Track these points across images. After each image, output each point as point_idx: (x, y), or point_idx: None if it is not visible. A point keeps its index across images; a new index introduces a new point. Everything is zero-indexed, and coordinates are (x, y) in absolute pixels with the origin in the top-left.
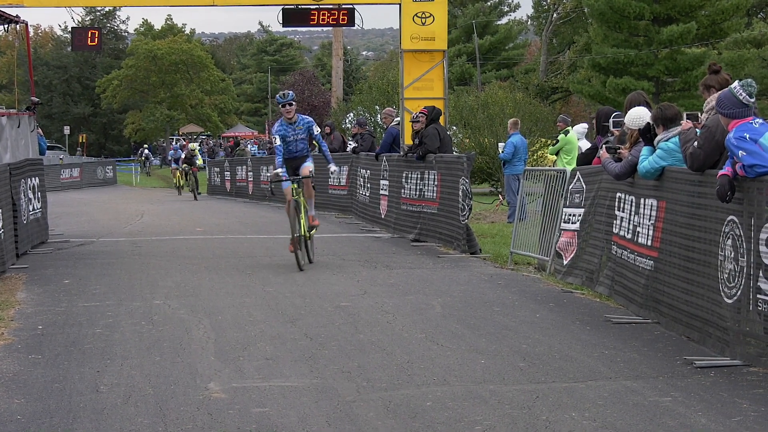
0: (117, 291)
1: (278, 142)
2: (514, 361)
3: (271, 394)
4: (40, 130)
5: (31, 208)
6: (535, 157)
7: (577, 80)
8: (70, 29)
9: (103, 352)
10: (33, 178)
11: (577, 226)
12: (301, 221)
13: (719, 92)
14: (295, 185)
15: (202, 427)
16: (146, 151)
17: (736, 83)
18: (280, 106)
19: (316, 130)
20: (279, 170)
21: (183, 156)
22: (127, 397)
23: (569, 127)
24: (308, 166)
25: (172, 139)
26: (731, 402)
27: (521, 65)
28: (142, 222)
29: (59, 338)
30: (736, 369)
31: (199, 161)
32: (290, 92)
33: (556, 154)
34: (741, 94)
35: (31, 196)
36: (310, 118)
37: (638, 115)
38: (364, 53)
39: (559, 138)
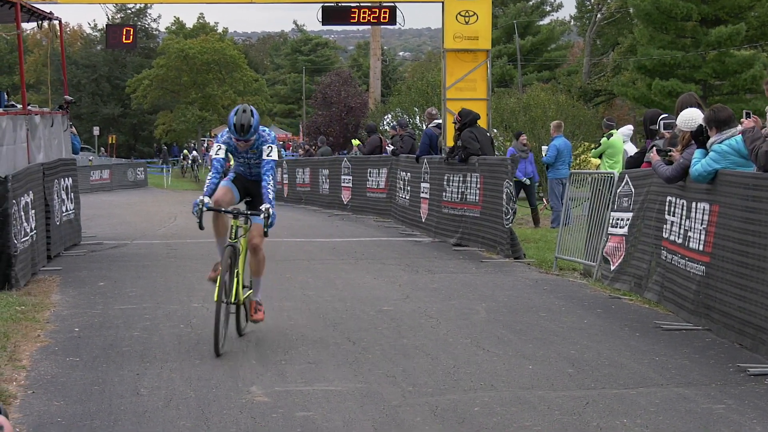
0: (153, 294)
1: (220, 153)
2: (563, 367)
3: (315, 398)
4: (73, 129)
5: (64, 209)
6: (578, 161)
7: (621, 83)
8: (99, 28)
9: (142, 355)
10: (66, 179)
11: (625, 230)
12: (236, 281)
13: None
14: (239, 221)
15: (245, 431)
16: (193, 152)
17: None
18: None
19: (269, 154)
20: (202, 198)
21: None
22: (168, 400)
23: (613, 131)
24: (266, 204)
25: (204, 140)
26: None
27: (563, 67)
28: (175, 224)
29: (96, 341)
30: None
31: None
32: (252, 123)
33: (600, 157)
34: None
35: (64, 196)
36: (270, 134)
37: (691, 117)
38: (401, 54)
39: (601, 141)
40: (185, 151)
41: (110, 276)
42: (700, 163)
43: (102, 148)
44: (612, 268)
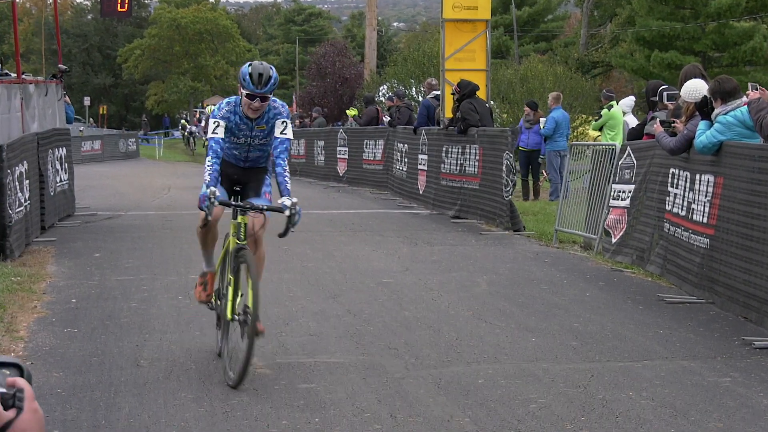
0: (150, 265)
1: (219, 132)
2: (566, 339)
3: (317, 370)
4: (67, 99)
5: (58, 179)
6: (576, 133)
7: (619, 54)
8: None
9: (141, 327)
10: (60, 149)
11: (627, 203)
12: (231, 297)
13: None
14: (239, 218)
15: (248, 403)
16: (190, 126)
17: None
18: (243, 91)
19: (283, 131)
20: (212, 189)
21: None
22: (168, 372)
23: (613, 102)
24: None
25: (196, 111)
26: None
27: (560, 38)
28: (169, 196)
29: (94, 312)
30: None
31: None
32: (272, 75)
33: (600, 129)
34: None
35: (58, 167)
36: (284, 107)
37: (695, 88)
38: (395, 24)
39: (602, 113)
40: (183, 121)
41: (105, 247)
42: (704, 134)
43: (91, 119)
44: (613, 240)
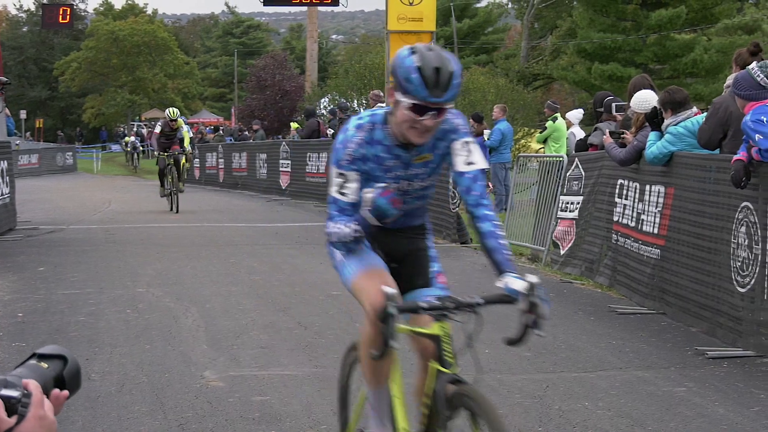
0: (96, 279)
1: (348, 193)
2: (520, 350)
3: (271, 382)
4: (7, 111)
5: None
6: (518, 146)
7: (560, 66)
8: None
9: (90, 340)
10: (2, 162)
11: (575, 214)
12: None
13: (736, 73)
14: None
15: (203, 415)
16: (132, 138)
17: (754, 64)
18: (401, 99)
19: (471, 159)
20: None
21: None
22: (120, 386)
23: (557, 114)
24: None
25: (134, 124)
26: (748, 392)
27: (501, 50)
28: (111, 209)
29: (42, 326)
30: (749, 360)
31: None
32: (454, 69)
33: (544, 141)
34: (759, 76)
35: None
36: (458, 114)
37: (645, 99)
38: (334, 37)
39: (546, 125)
40: (126, 138)
41: (49, 261)
42: (655, 145)
43: (27, 132)
44: (562, 252)
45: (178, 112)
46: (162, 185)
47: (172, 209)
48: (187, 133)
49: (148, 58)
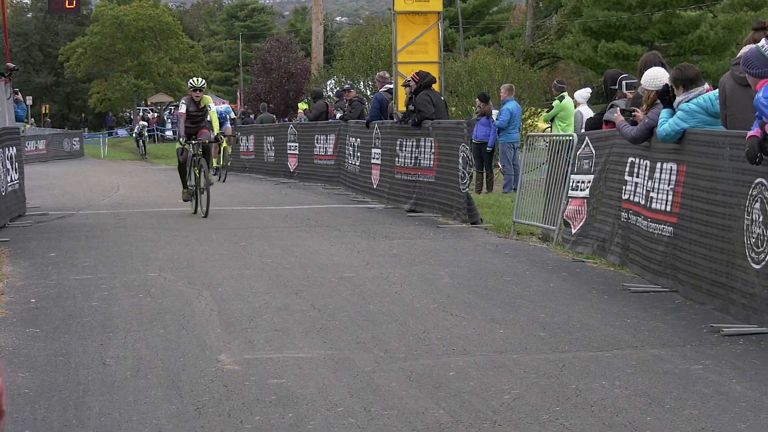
0: (108, 264)
1: None
2: (534, 330)
3: (286, 365)
4: (19, 96)
5: (9, 179)
6: (525, 125)
7: (566, 45)
8: None
9: (104, 325)
10: (11, 148)
11: (586, 193)
12: None
13: (745, 51)
14: None
15: (219, 399)
16: (142, 122)
17: (763, 41)
18: None
19: None
20: None
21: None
22: (136, 370)
23: (564, 93)
24: None
25: (140, 109)
26: (765, 369)
27: (506, 30)
28: (119, 194)
29: (55, 311)
30: (765, 336)
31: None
32: None
33: (551, 121)
34: None
35: (8, 166)
36: None
37: (656, 76)
38: (338, 19)
39: (553, 104)
40: (142, 122)
41: (60, 246)
42: (667, 122)
43: (32, 119)
44: (573, 231)
45: (204, 81)
46: (184, 185)
47: (196, 212)
48: (215, 114)
49: (153, 43)
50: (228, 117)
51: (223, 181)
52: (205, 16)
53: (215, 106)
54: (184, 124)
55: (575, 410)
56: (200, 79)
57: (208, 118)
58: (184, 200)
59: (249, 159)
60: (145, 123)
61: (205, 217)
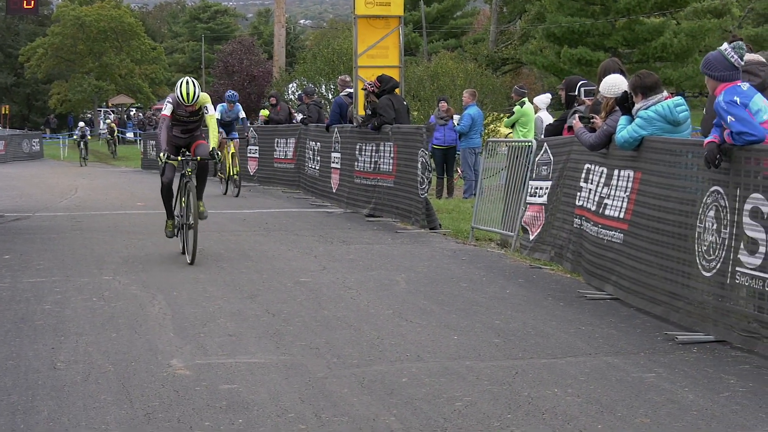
0: (62, 266)
1: None
2: (488, 337)
3: (238, 370)
4: None
5: None
6: (487, 131)
7: (529, 51)
8: None
9: (56, 329)
10: None
11: (544, 199)
12: None
13: (707, 54)
14: None
15: (169, 404)
16: (81, 124)
17: (725, 45)
18: None
19: None
20: None
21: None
22: (86, 375)
23: (525, 99)
24: None
25: (100, 110)
26: (717, 378)
27: (470, 35)
28: (77, 196)
29: (7, 314)
30: (718, 345)
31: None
32: None
33: (512, 126)
34: (732, 56)
35: None
36: None
37: (614, 83)
38: (302, 21)
39: (514, 110)
40: (109, 121)
41: (15, 249)
42: (626, 129)
43: None
44: (531, 237)
45: (196, 91)
46: (169, 214)
47: (184, 251)
48: (213, 119)
49: (114, 44)
50: (239, 116)
51: (236, 196)
52: (167, 17)
53: (215, 109)
54: (167, 133)
55: (526, 418)
56: (191, 85)
57: (205, 125)
58: (168, 236)
59: (210, 162)
60: (86, 125)
61: (191, 263)
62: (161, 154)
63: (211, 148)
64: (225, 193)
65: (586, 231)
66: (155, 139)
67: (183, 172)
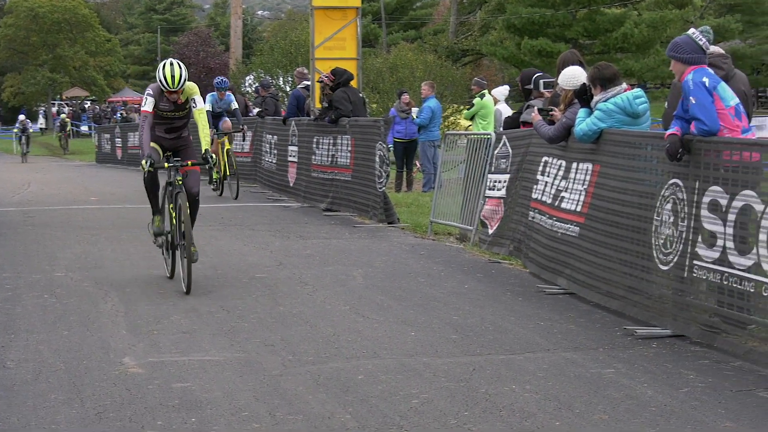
0: (13, 263)
1: None
2: (446, 333)
3: (192, 368)
4: None
5: None
6: (447, 123)
7: (489, 42)
8: None
9: (6, 327)
10: None
11: (503, 192)
12: None
13: (675, 38)
14: None
15: (121, 403)
16: (21, 117)
17: (693, 29)
18: None
19: None
20: None
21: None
22: (37, 373)
23: (485, 91)
24: None
25: (54, 103)
26: (677, 373)
27: (429, 26)
28: (30, 191)
29: None
30: (678, 339)
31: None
32: None
33: (471, 119)
34: (701, 39)
35: None
36: None
37: (573, 75)
38: (260, 13)
39: (474, 102)
40: (63, 115)
41: None
42: (584, 122)
43: None
44: (490, 231)
45: (183, 75)
46: (155, 208)
47: (173, 275)
48: (203, 113)
49: (68, 36)
50: (232, 107)
51: (235, 198)
52: (123, 8)
53: (204, 101)
54: (149, 133)
55: (483, 415)
56: (176, 66)
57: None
58: (154, 233)
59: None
60: (26, 119)
61: (188, 293)
62: (143, 162)
63: (203, 151)
64: (221, 194)
65: (540, 224)
66: (109, 132)
67: (171, 180)
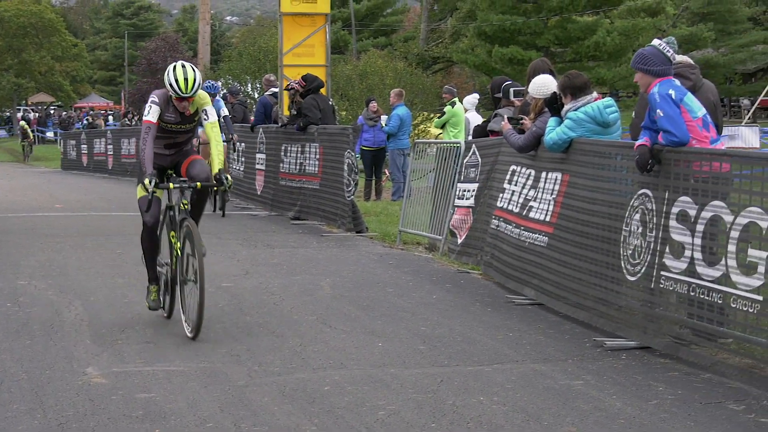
0: None
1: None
2: (414, 343)
3: (156, 378)
4: None
5: None
6: (417, 131)
7: (460, 49)
8: None
9: None
10: None
11: (471, 201)
12: None
13: (640, 50)
14: None
15: (84, 414)
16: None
17: (657, 41)
18: None
19: None
20: None
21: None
22: None
23: (456, 99)
24: None
25: (20, 109)
26: (646, 385)
27: (400, 33)
28: None
29: None
30: (647, 351)
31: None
32: None
33: (442, 127)
34: (668, 51)
35: None
36: None
37: (543, 84)
38: (228, 18)
39: (445, 110)
40: (22, 122)
41: None
42: (554, 131)
43: None
44: (459, 241)
45: (197, 79)
46: (151, 272)
47: (170, 315)
48: (215, 127)
49: (34, 40)
50: (221, 113)
51: (223, 215)
52: (89, 13)
53: (216, 110)
54: (152, 146)
55: (451, 427)
56: (189, 69)
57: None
58: (151, 308)
59: (131, 162)
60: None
61: (194, 338)
62: (146, 180)
63: (217, 170)
64: (214, 211)
65: (505, 233)
66: (73, 139)
67: (172, 204)
